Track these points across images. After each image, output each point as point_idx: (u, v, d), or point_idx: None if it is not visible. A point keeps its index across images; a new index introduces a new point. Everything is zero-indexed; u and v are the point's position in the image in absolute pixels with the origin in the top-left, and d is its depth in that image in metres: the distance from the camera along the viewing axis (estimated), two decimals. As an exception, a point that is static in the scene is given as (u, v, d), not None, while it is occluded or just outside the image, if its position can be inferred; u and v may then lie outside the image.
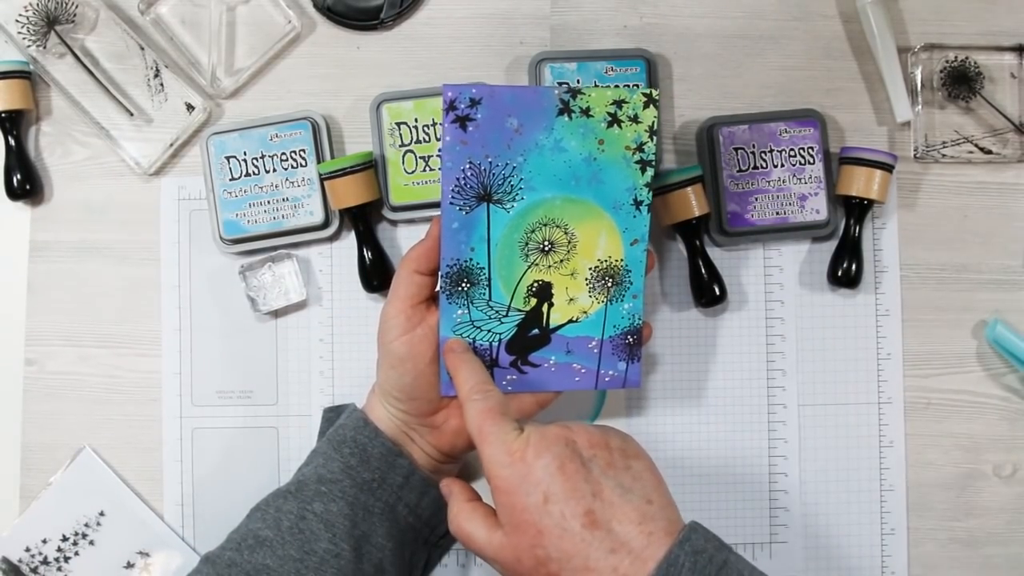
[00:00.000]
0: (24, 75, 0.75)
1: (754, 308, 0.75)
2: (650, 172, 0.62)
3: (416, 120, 0.74)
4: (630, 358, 0.66)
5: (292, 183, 0.74)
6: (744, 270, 0.75)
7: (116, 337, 0.76)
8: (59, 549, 0.74)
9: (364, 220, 0.73)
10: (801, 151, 0.73)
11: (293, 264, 0.75)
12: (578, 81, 0.73)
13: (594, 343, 0.65)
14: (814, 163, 0.73)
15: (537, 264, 0.64)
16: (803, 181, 0.73)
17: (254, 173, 0.74)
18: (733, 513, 0.74)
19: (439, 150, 0.73)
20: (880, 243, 0.76)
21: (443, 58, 0.77)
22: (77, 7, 0.75)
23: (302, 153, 0.74)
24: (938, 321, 0.75)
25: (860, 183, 0.72)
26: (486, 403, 0.59)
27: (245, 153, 0.74)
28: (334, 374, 0.75)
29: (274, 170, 0.74)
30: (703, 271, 0.73)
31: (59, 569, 0.74)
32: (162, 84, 0.76)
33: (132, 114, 0.76)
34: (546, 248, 0.63)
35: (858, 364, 0.75)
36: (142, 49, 0.76)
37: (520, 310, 0.64)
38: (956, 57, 0.76)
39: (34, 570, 0.74)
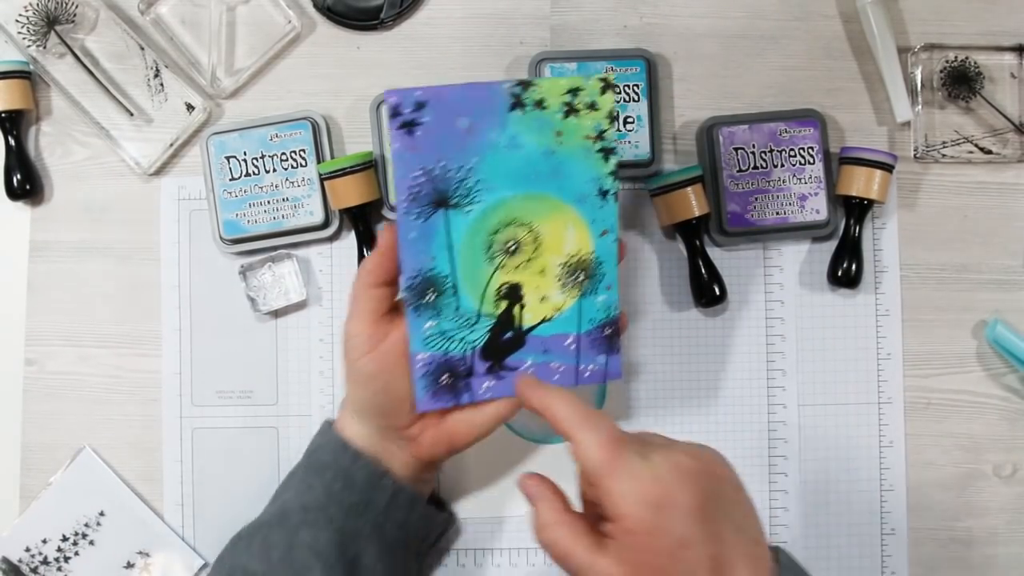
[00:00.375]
0: (24, 75, 0.75)
1: (754, 308, 0.75)
2: (614, 160, 0.60)
3: (416, 120, 0.74)
4: (609, 350, 0.64)
5: (292, 183, 0.74)
6: (744, 270, 0.75)
7: (116, 337, 0.76)
8: (59, 549, 0.74)
9: (364, 220, 0.73)
10: (801, 151, 0.73)
11: (293, 264, 0.75)
12: None
13: (571, 339, 0.63)
14: (814, 163, 0.73)
15: (504, 266, 0.61)
16: (803, 181, 0.73)
17: (254, 173, 0.74)
18: (733, 513, 0.74)
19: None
20: (880, 243, 0.76)
21: (443, 58, 0.77)
22: (77, 7, 0.75)
23: (302, 153, 0.74)
24: (938, 321, 0.75)
25: (860, 183, 0.72)
26: (603, 434, 0.52)
27: (245, 153, 0.74)
28: (334, 374, 0.75)
29: (274, 170, 0.74)
30: (703, 271, 0.73)
31: (59, 569, 0.74)
32: (162, 84, 0.76)
33: (132, 114, 0.76)
34: (511, 249, 0.61)
35: (858, 364, 0.75)
36: (142, 49, 0.76)
37: (491, 315, 0.61)
38: (956, 57, 0.76)
39: (34, 570, 0.74)
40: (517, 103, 0.59)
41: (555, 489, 0.56)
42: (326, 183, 0.73)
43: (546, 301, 0.62)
